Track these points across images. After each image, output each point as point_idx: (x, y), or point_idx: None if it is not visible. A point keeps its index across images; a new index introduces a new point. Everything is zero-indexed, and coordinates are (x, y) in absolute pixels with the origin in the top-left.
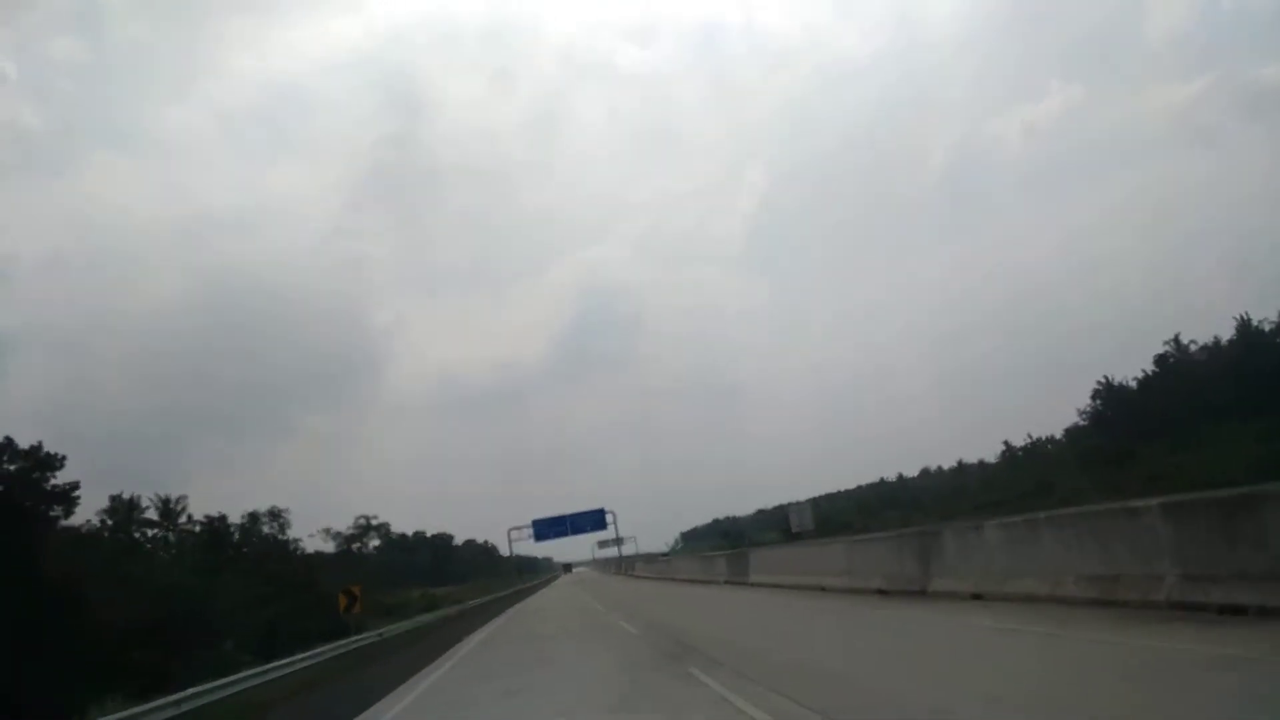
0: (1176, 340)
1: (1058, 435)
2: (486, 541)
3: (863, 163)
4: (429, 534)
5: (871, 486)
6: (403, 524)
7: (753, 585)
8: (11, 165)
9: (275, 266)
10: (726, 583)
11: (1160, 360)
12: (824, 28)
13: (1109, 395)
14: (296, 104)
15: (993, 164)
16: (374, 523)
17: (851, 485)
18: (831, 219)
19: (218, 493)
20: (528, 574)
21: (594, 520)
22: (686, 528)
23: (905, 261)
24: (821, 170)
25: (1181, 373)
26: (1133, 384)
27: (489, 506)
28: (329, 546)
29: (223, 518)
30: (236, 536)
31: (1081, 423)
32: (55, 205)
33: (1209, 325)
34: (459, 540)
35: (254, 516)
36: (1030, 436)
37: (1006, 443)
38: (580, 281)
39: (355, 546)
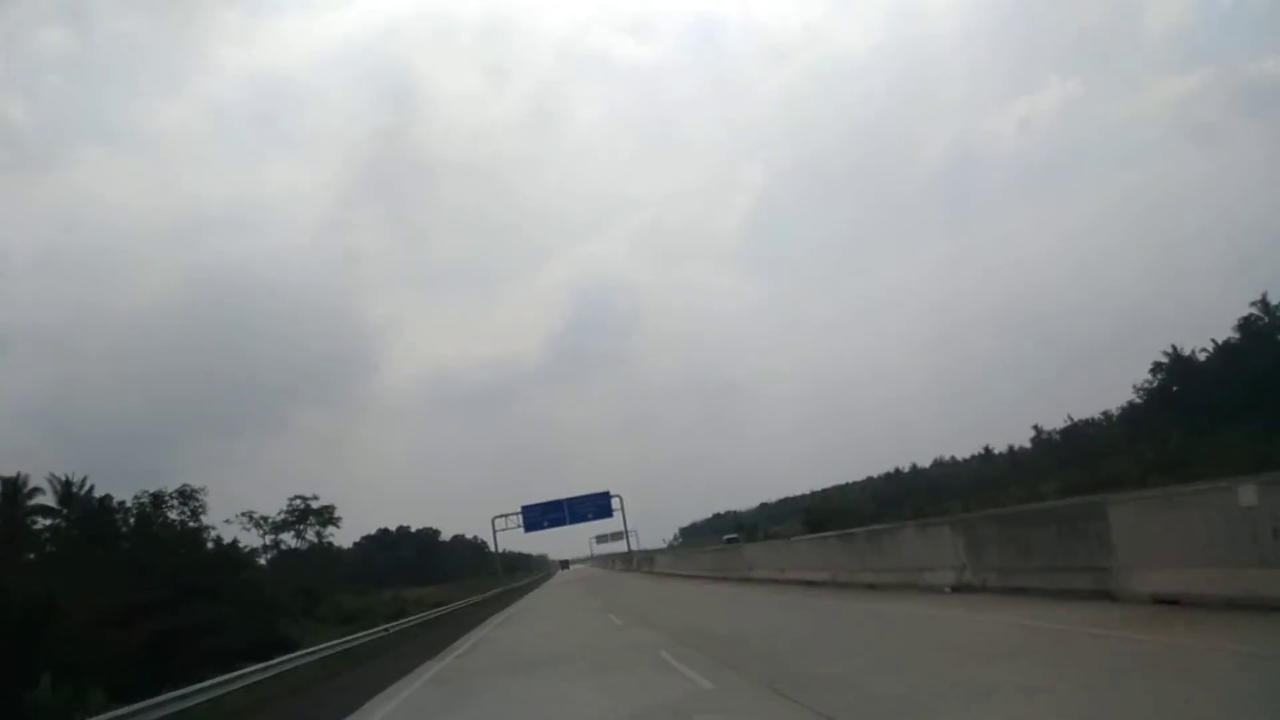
0: (1264, 301)
1: (1095, 417)
2: (476, 537)
3: (862, 157)
4: (414, 529)
5: (884, 478)
6: (391, 519)
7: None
8: (1, 161)
9: (268, 262)
10: (956, 590)
11: (1244, 325)
12: (822, 23)
13: (1175, 369)
14: (290, 98)
15: (991, 158)
16: (314, 505)
17: (860, 478)
18: (830, 214)
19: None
20: (520, 573)
21: (597, 506)
22: (685, 523)
23: (905, 256)
24: (820, 166)
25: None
26: (1201, 356)
27: (481, 503)
28: (252, 537)
29: (105, 499)
30: (132, 524)
31: (1137, 400)
32: (46, 202)
33: (1208, 320)
34: (446, 536)
35: (157, 499)
36: (1070, 418)
37: (1037, 427)
38: (577, 278)
39: (287, 536)
